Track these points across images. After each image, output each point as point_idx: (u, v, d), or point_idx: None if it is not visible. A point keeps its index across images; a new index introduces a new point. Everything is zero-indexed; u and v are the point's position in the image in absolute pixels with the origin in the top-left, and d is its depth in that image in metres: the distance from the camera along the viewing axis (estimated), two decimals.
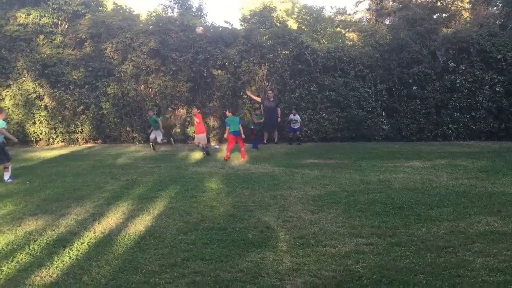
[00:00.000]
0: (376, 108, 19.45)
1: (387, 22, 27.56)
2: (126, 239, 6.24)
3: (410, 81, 19.44)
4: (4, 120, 11.66)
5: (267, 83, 19.83)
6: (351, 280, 4.71)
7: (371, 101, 19.40)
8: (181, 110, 19.91)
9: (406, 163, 12.71)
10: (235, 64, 19.68)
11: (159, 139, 17.73)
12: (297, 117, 18.66)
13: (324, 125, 19.43)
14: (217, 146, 18.29)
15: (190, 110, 19.51)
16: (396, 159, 13.79)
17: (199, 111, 16.26)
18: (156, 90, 20.05)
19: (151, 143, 17.68)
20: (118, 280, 4.86)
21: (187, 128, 20.07)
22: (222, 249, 5.74)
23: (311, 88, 19.60)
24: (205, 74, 19.82)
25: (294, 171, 11.73)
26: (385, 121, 19.77)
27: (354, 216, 7.13)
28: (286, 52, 19.93)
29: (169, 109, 20.21)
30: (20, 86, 20.48)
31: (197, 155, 15.57)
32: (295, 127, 18.74)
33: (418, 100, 19.38)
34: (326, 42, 20.33)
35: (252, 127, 18.15)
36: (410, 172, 11.23)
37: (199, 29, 18.18)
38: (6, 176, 11.22)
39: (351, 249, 5.64)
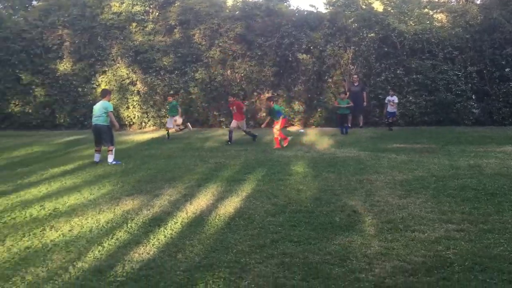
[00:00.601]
0: (466, 91, 18.75)
1: (478, 2, 26.26)
2: (216, 220, 6.49)
3: (503, 62, 18.58)
4: (109, 101, 12.10)
5: (352, 67, 19.60)
6: (441, 266, 4.68)
7: (460, 84, 18.72)
8: (267, 95, 20.05)
9: (498, 148, 12.27)
10: (320, 48, 19.63)
11: (177, 125, 17.10)
12: (395, 98, 17.83)
13: (410, 109, 18.97)
14: (302, 130, 18.38)
15: (275, 94, 19.67)
16: (487, 144, 13.33)
17: (234, 98, 16.11)
18: (242, 75, 20.35)
19: (179, 127, 17.23)
20: (211, 259, 5.07)
21: None
22: (310, 232, 5.84)
23: (398, 72, 19.19)
24: (290, 59, 19.91)
25: (380, 155, 11.62)
26: (475, 105, 19.01)
27: (444, 202, 7.01)
28: (372, 35, 19.60)
29: (255, 93, 20.46)
30: (114, 72, 21.45)
31: None
32: (392, 110, 17.89)
33: (511, 83, 18.49)
34: (413, 24, 19.74)
35: (338, 111, 17.98)
36: (502, 157, 10.83)
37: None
38: (110, 158, 11.66)
39: (441, 235, 5.58)
